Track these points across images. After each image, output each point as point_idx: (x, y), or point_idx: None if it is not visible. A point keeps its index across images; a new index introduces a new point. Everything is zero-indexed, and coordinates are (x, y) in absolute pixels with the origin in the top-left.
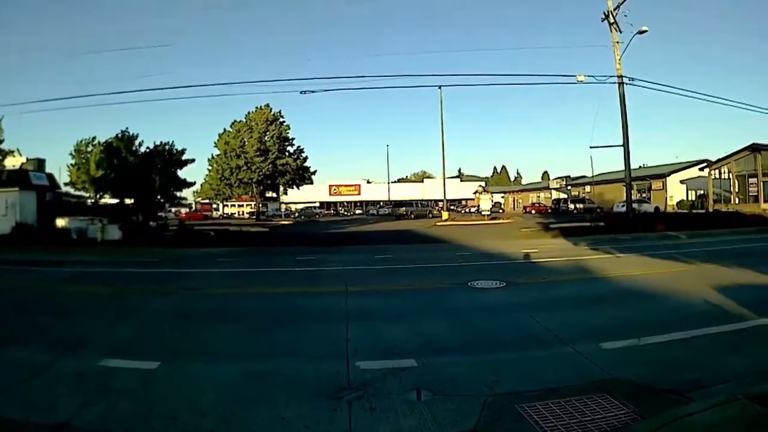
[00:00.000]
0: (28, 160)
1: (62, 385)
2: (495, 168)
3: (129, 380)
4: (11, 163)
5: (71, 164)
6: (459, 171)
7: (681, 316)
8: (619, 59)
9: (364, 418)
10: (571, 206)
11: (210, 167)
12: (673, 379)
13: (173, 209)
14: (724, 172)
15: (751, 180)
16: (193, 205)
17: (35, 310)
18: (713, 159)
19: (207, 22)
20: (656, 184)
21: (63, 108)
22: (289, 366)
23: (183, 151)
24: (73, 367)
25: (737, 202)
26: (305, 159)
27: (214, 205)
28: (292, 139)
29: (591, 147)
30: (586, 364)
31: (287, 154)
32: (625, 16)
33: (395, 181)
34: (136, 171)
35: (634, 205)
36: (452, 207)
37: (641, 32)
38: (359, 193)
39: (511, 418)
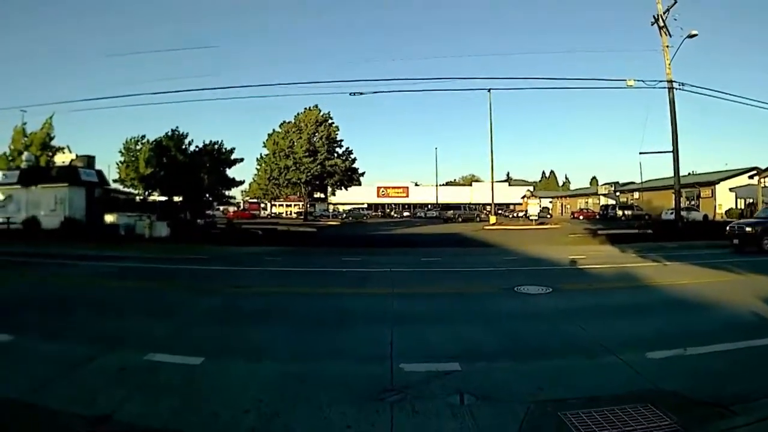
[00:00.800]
0: (77, 156)
1: (105, 378)
2: (543, 173)
3: (172, 375)
4: (61, 159)
5: (120, 161)
6: (507, 175)
7: (727, 327)
8: (669, 63)
9: (406, 421)
10: (619, 212)
11: (258, 167)
12: (717, 391)
13: (221, 207)
14: None
15: None
16: (241, 204)
17: (81, 304)
18: (763, 167)
19: (256, 24)
20: (705, 192)
21: (113, 106)
22: (332, 366)
23: (232, 151)
24: (117, 361)
25: None
26: (354, 160)
27: (262, 205)
28: (341, 140)
29: (640, 153)
30: (631, 373)
31: (336, 155)
32: (675, 19)
33: (443, 184)
34: (185, 169)
35: (683, 213)
36: (500, 211)
37: (691, 36)
38: (407, 195)
39: (553, 426)
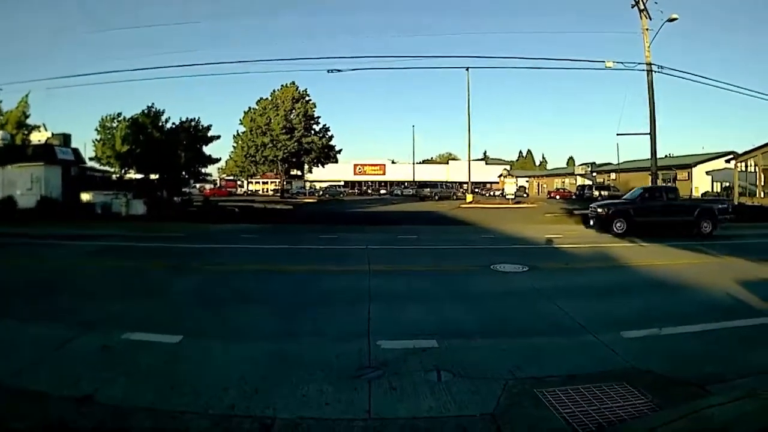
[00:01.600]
0: (53, 135)
1: (86, 358)
2: (520, 152)
3: (151, 354)
4: (37, 138)
5: (96, 139)
6: (484, 154)
7: (703, 308)
8: (648, 46)
9: (384, 397)
10: (596, 193)
11: (235, 144)
12: (692, 371)
13: (198, 185)
14: (751, 165)
15: None
16: (218, 182)
17: (59, 284)
18: (740, 151)
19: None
20: (681, 175)
21: (88, 84)
22: (310, 343)
23: (209, 128)
24: (97, 341)
25: (762, 195)
26: (331, 137)
27: (239, 182)
28: (318, 117)
29: (618, 134)
30: (607, 352)
31: (313, 132)
32: (656, 2)
33: (420, 162)
34: (162, 147)
35: None
36: (477, 190)
37: (671, 20)
38: (384, 173)
39: (531, 403)
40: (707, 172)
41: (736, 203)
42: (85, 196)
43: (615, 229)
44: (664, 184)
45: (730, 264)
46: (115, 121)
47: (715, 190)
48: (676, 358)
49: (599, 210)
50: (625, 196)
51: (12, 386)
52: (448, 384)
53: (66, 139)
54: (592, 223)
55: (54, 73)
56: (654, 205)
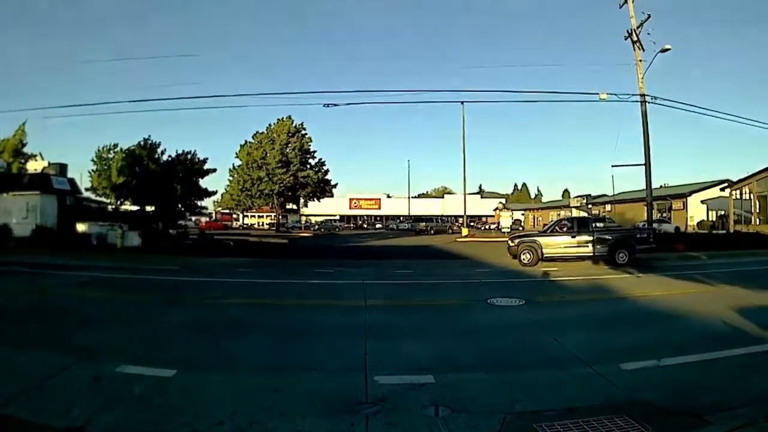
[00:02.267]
0: (50, 164)
1: (78, 389)
2: (516, 185)
3: (145, 387)
4: (33, 167)
5: (93, 170)
6: (479, 188)
7: (701, 338)
8: (642, 78)
9: None
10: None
11: (231, 177)
12: (692, 401)
13: (193, 218)
14: (746, 193)
15: None
16: (214, 215)
17: (53, 314)
18: (734, 179)
19: (231, 33)
20: (677, 204)
21: (86, 114)
22: (307, 378)
23: (205, 161)
24: (90, 371)
25: (758, 223)
26: (326, 172)
27: (235, 215)
28: (314, 151)
29: (613, 166)
30: (605, 384)
31: (309, 166)
32: (648, 34)
33: (416, 196)
34: (158, 179)
35: (655, 225)
36: (472, 223)
37: (664, 50)
38: (379, 207)
39: None
40: (702, 201)
41: (731, 231)
42: (81, 227)
43: (522, 260)
44: (588, 215)
45: (729, 293)
46: (111, 152)
47: (710, 219)
48: (674, 389)
49: (510, 243)
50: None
51: (3, 414)
52: (446, 419)
53: (62, 168)
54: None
55: (51, 103)
56: (564, 235)
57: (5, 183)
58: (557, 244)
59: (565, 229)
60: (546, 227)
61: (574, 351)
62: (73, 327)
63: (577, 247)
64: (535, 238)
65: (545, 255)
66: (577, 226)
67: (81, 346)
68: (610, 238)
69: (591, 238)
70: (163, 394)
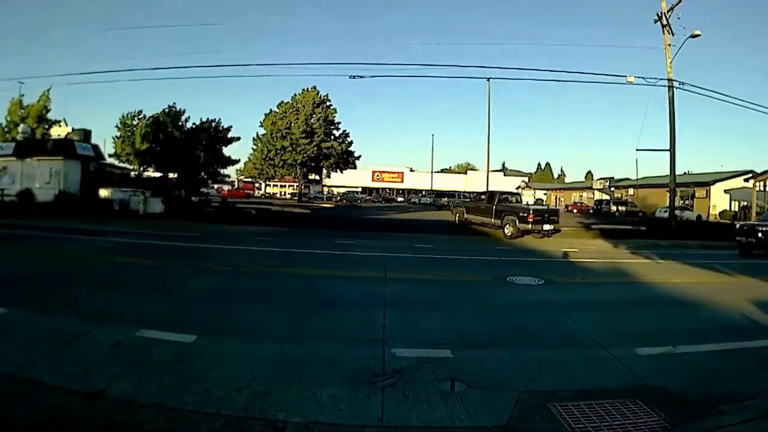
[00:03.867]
0: (74, 130)
1: (98, 354)
2: (539, 164)
3: (165, 352)
4: (57, 132)
5: (116, 136)
6: (503, 165)
7: (717, 327)
8: (671, 62)
9: (397, 406)
10: (613, 208)
11: (255, 146)
12: (705, 390)
13: (216, 186)
14: None
15: None
16: (236, 183)
17: (74, 279)
18: (759, 171)
19: (257, 2)
20: (700, 192)
21: (110, 81)
22: (325, 348)
23: (229, 129)
24: (110, 336)
25: None
26: (350, 143)
27: (257, 184)
28: (338, 123)
29: (637, 150)
30: (620, 368)
31: (333, 137)
32: (678, 18)
33: (438, 171)
34: (181, 146)
35: (677, 212)
36: None
37: (694, 36)
38: (402, 181)
39: (543, 417)
40: (725, 191)
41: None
42: (104, 192)
43: (455, 218)
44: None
45: (747, 284)
46: (135, 119)
47: (732, 209)
48: (690, 377)
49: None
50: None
51: (23, 378)
52: (462, 394)
53: (86, 134)
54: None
55: (76, 69)
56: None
57: (29, 148)
58: (472, 210)
59: (482, 201)
60: (474, 197)
61: (590, 333)
62: (93, 292)
63: (483, 216)
64: (462, 207)
65: (467, 219)
66: (487, 199)
67: (101, 312)
68: (502, 211)
69: (492, 210)
70: (182, 360)
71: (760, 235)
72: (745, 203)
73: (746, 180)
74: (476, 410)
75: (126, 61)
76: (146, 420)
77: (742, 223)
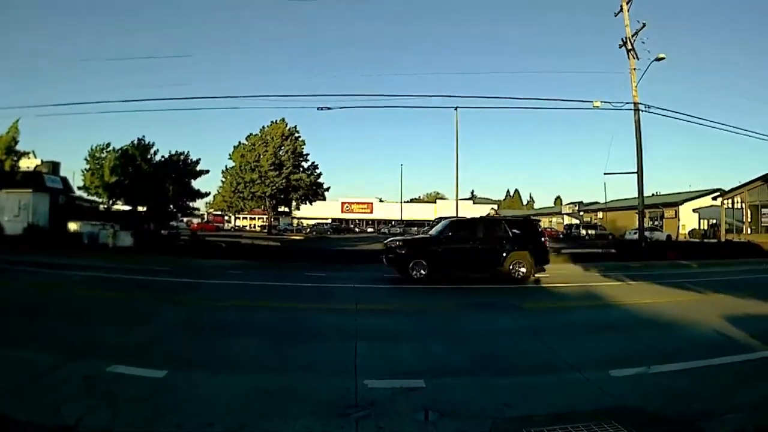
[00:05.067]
0: (42, 162)
1: (69, 388)
2: (508, 191)
3: (136, 387)
4: (26, 164)
5: (85, 169)
6: (472, 193)
7: (691, 346)
8: (636, 86)
9: None
10: (583, 232)
11: (224, 179)
12: (681, 408)
13: (185, 219)
14: (737, 202)
15: (764, 210)
16: (206, 216)
17: (44, 312)
18: (726, 188)
19: (227, 35)
20: (669, 213)
21: (79, 113)
22: (297, 381)
23: (197, 162)
24: (81, 371)
25: (749, 232)
26: (319, 175)
27: (226, 217)
28: (307, 154)
29: (605, 173)
30: (595, 390)
31: (301, 169)
32: (643, 42)
33: (408, 201)
34: (150, 179)
35: (646, 233)
36: None
37: (659, 59)
38: (371, 212)
39: None
40: (694, 210)
41: (723, 240)
42: (73, 226)
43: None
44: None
45: (719, 301)
46: (104, 151)
47: (702, 228)
48: (665, 396)
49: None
50: None
51: None
52: (436, 424)
53: (55, 167)
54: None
55: (44, 101)
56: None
57: None
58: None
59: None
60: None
61: (564, 357)
62: (64, 326)
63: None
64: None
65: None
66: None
67: (72, 345)
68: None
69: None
70: (154, 394)
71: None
72: (714, 221)
73: (714, 198)
74: None
75: (95, 93)
76: None
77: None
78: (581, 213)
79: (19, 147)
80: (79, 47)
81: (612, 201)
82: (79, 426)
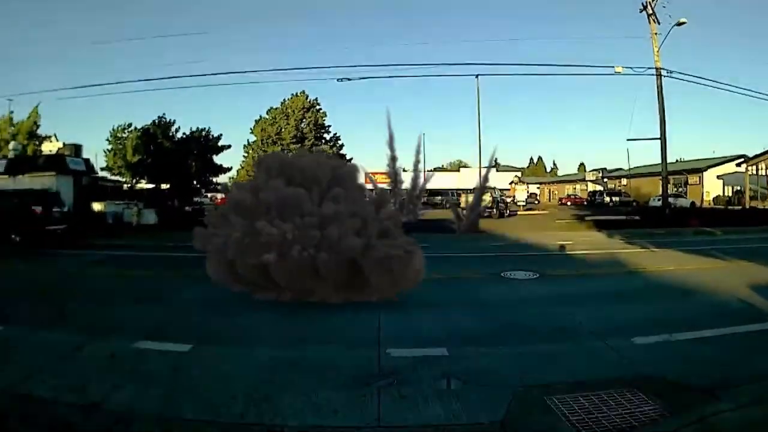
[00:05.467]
0: (65, 145)
1: (94, 366)
2: (531, 158)
3: (161, 362)
4: (48, 148)
5: (108, 149)
6: (495, 161)
7: (714, 314)
8: (657, 51)
9: (394, 405)
10: (607, 199)
11: (246, 154)
12: (702, 377)
13: (210, 195)
14: (762, 168)
15: None
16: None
17: (70, 293)
18: (750, 155)
19: (246, 9)
20: (692, 179)
21: (100, 94)
22: (320, 352)
23: (219, 137)
24: (106, 348)
25: None
26: (341, 146)
27: None
28: (329, 126)
29: (628, 140)
30: (617, 358)
31: (323, 141)
32: (664, 7)
33: (431, 170)
34: (173, 156)
35: (670, 200)
36: None
37: (680, 24)
38: None
39: (539, 410)
40: (718, 176)
41: (747, 207)
42: (97, 206)
43: None
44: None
45: (743, 269)
46: (125, 131)
47: (726, 194)
48: (685, 364)
49: None
50: None
51: (20, 392)
52: (458, 392)
53: (77, 149)
54: None
55: (64, 84)
56: None
57: (21, 165)
58: None
59: None
60: None
61: (586, 325)
62: (90, 305)
63: None
64: None
65: None
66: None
67: (96, 324)
68: None
69: None
70: (178, 369)
71: None
72: (739, 188)
73: (738, 165)
74: (472, 407)
75: (114, 73)
76: (144, 429)
77: None
78: (605, 180)
79: (40, 131)
80: (96, 29)
81: (635, 167)
82: (105, 403)
